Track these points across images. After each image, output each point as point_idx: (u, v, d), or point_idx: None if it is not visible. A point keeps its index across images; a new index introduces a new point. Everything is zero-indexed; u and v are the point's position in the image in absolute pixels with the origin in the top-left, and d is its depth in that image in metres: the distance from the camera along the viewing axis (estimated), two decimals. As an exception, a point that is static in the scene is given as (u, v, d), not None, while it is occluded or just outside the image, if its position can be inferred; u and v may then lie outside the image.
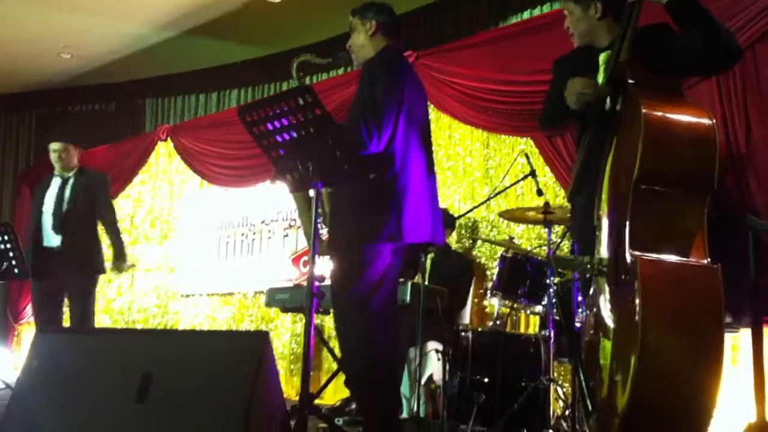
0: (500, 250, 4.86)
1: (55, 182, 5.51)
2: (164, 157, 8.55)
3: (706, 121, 2.55)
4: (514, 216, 5.00)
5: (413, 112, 3.30)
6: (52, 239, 5.38)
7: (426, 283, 4.51)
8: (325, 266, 3.43)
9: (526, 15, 6.24)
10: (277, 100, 2.94)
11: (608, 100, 2.84)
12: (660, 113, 2.53)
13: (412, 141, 3.28)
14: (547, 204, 4.40)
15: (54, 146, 5.52)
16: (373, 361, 3.19)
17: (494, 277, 4.49)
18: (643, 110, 2.50)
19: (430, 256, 5.04)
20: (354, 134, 3.15)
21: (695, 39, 2.69)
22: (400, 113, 3.22)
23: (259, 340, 2.65)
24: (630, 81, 2.68)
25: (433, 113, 5.84)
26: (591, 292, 2.82)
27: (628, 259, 2.46)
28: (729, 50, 2.73)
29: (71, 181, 5.49)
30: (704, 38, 2.68)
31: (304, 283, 4.77)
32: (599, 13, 2.97)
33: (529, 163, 4.88)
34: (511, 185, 5.24)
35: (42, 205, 5.48)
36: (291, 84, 8.11)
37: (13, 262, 5.26)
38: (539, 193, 4.75)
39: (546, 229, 4.46)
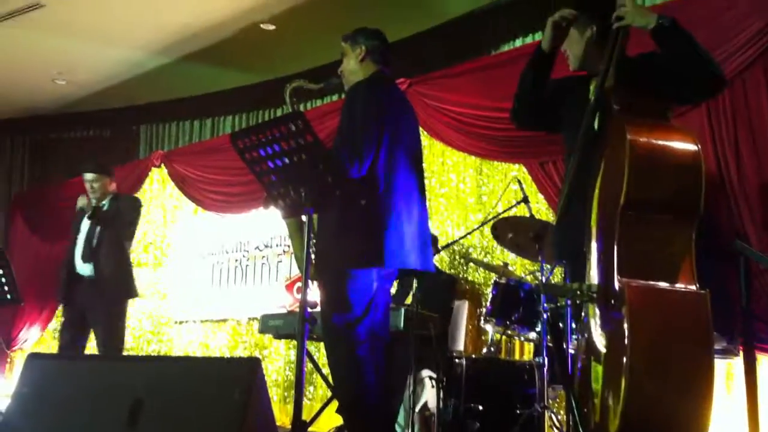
0: (494, 276, 4.85)
1: (92, 209, 5.56)
2: (158, 183, 8.56)
3: (691, 146, 2.56)
4: (507, 231, 4.94)
5: (399, 136, 3.30)
6: (82, 267, 5.52)
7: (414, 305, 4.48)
8: (317, 292, 3.43)
9: (518, 43, 6.28)
10: (268, 127, 2.95)
11: (595, 123, 2.85)
12: (645, 139, 2.54)
13: (399, 165, 3.28)
14: (538, 234, 4.40)
15: (87, 176, 5.65)
16: (361, 389, 3.17)
17: (488, 303, 4.49)
18: (628, 136, 2.51)
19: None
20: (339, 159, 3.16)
21: (679, 65, 2.71)
22: (383, 137, 3.22)
23: (251, 366, 2.64)
24: (615, 106, 2.70)
25: (426, 140, 5.86)
26: (582, 317, 2.82)
27: (616, 285, 2.46)
28: (714, 77, 2.75)
29: (107, 208, 5.60)
30: (688, 64, 2.70)
31: (297, 310, 4.79)
32: (594, 36, 2.98)
33: (522, 189, 4.90)
34: (504, 211, 5.25)
35: (77, 233, 5.64)
36: (285, 110, 8.16)
37: (6, 288, 5.29)
38: (532, 219, 4.76)
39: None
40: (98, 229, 5.53)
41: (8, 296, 5.33)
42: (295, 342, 5.54)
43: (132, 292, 5.66)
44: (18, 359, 9.13)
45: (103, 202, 5.65)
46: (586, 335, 2.73)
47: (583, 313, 2.80)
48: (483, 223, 5.42)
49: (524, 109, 3.16)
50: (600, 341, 2.59)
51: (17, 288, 5.35)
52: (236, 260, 7.80)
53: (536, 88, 3.07)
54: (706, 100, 4.20)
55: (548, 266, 4.30)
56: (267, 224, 7.39)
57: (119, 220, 5.58)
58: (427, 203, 3.53)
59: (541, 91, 3.06)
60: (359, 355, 3.18)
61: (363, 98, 3.27)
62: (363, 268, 3.18)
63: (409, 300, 4.89)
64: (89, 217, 5.53)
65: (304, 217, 3.10)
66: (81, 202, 5.68)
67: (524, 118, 3.22)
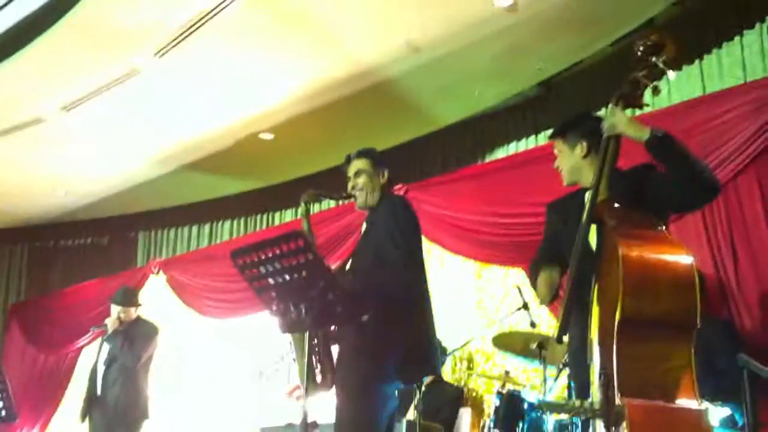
0: (497, 384, 4.80)
1: (112, 334, 6.02)
2: (155, 290, 8.51)
3: (685, 259, 2.55)
4: (507, 343, 4.93)
5: (417, 246, 3.46)
6: (101, 389, 5.95)
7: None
8: (318, 405, 3.38)
9: (512, 147, 6.38)
10: (268, 245, 2.96)
11: (589, 237, 2.87)
12: (637, 253, 2.53)
13: (419, 275, 3.40)
14: (541, 341, 4.39)
15: (115, 308, 6.12)
16: None
17: (491, 414, 4.42)
18: (621, 252, 2.51)
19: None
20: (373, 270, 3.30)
21: (673, 175, 2.75)
22: (417, 251, 3.40)
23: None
24: (608, 220, 2.72)
25: (425, 244, 5.88)
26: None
27: (617, 402, 2.44)
28: (706, 187, 2.78)
29: (123, 335, 5.99)
30: (681, 175, 2.74)
31: (295, 422, 4.72)
32: (584, 152, 3.03)
33: (522, 295, 4.89)
34: (505, 317, 5.23)
35: (99, 354, 6.11)
36: (283, 215, 8.24)
37: (0, 404, 5.22)
38: (532, 325, 4.74)
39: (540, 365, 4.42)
40: (113, 352, 5.98)
41: (2, 413, 5.27)
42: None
43: (139, 418, 5.97)
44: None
45: (121, 329, 6.03)
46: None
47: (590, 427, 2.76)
48: (486, 330, 5.39)
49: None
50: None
51: (13, 404, 5.31)
52: (235, 369, 7.69)
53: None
54: (700, 209, 4.25)
55: (551, 374, 4.25)
56: (264, 332, 7.33)
57: (132, 347, 5.95)
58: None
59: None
60: None
61: (405, 214, 3.43)
62: (390, 383, 3.20)
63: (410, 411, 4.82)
64: (106, 340, 6.02)
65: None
66: (108, 322, 6.05)
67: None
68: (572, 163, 3.07)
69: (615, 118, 2.79)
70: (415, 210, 3.54)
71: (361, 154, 3.64)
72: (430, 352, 3.31)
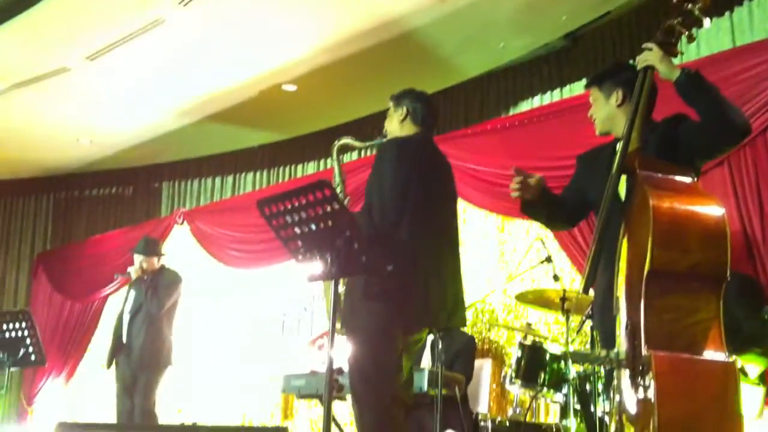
0: (518, 335, 4.84)
1: (134, 284, 6.31)
2: (180, 240, 8.59)
3: (716, 210, 2.54)
4: (531, 299, 4.96)
5: (429, 194, 3.32)
6: (126, 336, 6.13)
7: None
8: (343, 354, 3.42)
9: (536, 101, 6.34)
10: (295, 194, 2.98)
11: (622, 188, 2.86)
12: (668, 204, 2.52)
13: (428, 223, 3.29)
14: (564, 292, 4.40)
15: (137, 257, 6.28)
16: None
17: (513, 365, 4.45)
18: (652, 202, 2.50)
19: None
20: (367, 220, 3.21)
21: (703, 116, 2.73)
22: (410, 196, 3.24)
23: (279, 435, 2.64)
24: (639, 170, 2.70)
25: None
26: (614, 381, 2.80)
27: (643, 353, 2.45)
28: (736, 125, 2.75)
29: (147, 284, 6.17)
30: (711, 115, 2.72)
31: (320, 370, 4.79)
32: (619, 100, 3.02)
33: (546, 248, 4.90)
34: (527, 270, 5.24)
35: (125, 302, 6.31)
36: (306, 167, 8.26)
37: (30, 349, 5.35)
38: (555, 278, 4.75)
39: (563, 316, 4.44)
40: (138, 301, 6.15)
41: (32, 357, 5.40)
42: (316, 401, 5.51)
43: (162, 365, 6.12)
44: (37, 414, 9.12)
45: (147, 278, 6.22)
46: (618, 399, 2.71)
47: (614, 377, 2.79)
48: (506, 283, 5.42)
49: (560, 226, 3.22)
50: (631, 404, 2.57)
51: (42, 349, 5.42)
52: (258, 317, 7.79)
53: (554, 218, 3.14)
54: (731, 149, 4.19)
55: (573, 328, 4.27)
56: (289, 283, 7.39)
57: (156, 296, 6.10)
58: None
59: (562, 212, 3.11)
60: (387, 418, 3.18)
61: (391, 159, 3.31)
62: (395, 329, 3.19)
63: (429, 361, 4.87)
64: (134, 283, 6.25)
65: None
66: (131, 270, 6.25)
67: (567, 227, 3.27)
68: (607, 112, 3.05)
69: (649, 52, 2.78)
70: (417, 152, 3.37)
71: (391, 96, 3.60)
72: (439, 303, 3.28)
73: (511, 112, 6.47)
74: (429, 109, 3.56)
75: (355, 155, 7.31)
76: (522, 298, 5.00)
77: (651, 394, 2.36)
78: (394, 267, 3.15)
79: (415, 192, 3.26)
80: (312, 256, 3.07)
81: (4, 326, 5.34)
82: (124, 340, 6.12)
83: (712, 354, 2.42)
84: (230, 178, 8.99)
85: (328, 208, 2.92)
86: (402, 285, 3.19)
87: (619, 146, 2.92)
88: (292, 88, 7.10)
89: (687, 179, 2.72)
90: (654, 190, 2.56)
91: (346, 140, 3.73)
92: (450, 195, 3.56)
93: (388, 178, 3.26)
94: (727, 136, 2.80)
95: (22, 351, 5.35)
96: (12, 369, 5.46)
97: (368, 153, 7.06)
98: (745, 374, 3.62)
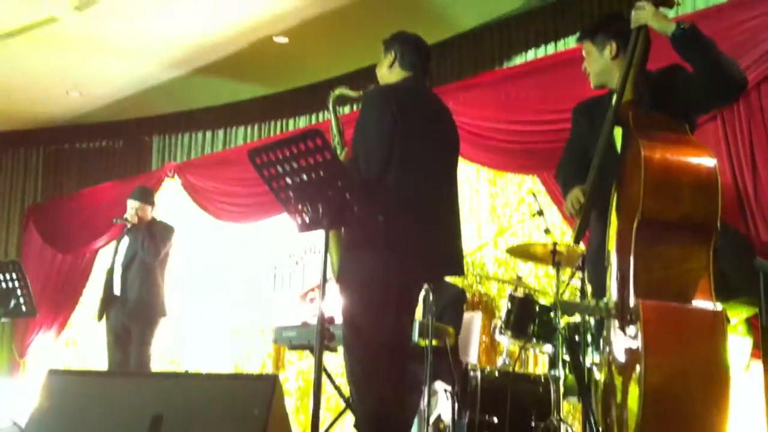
0: (509, 288, 4.86)
1: (128, 234, 6.26)
2: (171, 193, 8.57)
3: (708, 161, 2.55)
4: (522, 252, 4.98)
5: (417, 142, 3.20)
6: (120, 288, 6.10)
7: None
8: (334, 305, 3.43)
9: (530, 55, 6.29)
10: (287, 144, 2.95)
11: (613, 139, 2.86)
12: (660, 155, 2.53)
13: (417, 172, 3.20)
14: (555, 245, 4.41)
15: (133, 204, 6.23)
16: (381, 403, 3.17)
17: (503, 316, 4.48)
18: (643, 153, 2.51)
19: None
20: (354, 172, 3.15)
21: (699, 69, 2.72)
22: (395, 145, 3.14)
23: (270, 383, 2.65)
24: (631, 122, 2.70)
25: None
26: (604, 332, 2.82)
27: (632, 303, 2.47)
28: (733, 79, 2.75)
29: (140, 235, 6.12)
30: (708, 68, 2.71)
31: (311, 322, 4.81)
32: (613, 53, 3.00)
33: (537, 202, 4.90)
34: (519, 224, 5.25)
35: (115, 254, 6.28)
36: (297, 121, 8.22)
37: (21, 300, 5.37)
38: (547, 232, 4.76)
39: (553, 269, 4.46)
40: (131, 251, 6.12)
41: (23, 308, 5.42)
42: (307, 352, 5.54)
43: (157, 315, 6.10)
44: (29, 368, 9.17)
45: (139, 228, 6.15)
46: (608, 349, 2.74)
47: (604, 328, 2.81)
48: (497, 236, 5.43)
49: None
50: (620, 354, 2.60)
51: (33, 300, 5.44)
52: (251, 271, 7.81)
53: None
54: (729, 104, 4.17)
55: (564, 281, 4.29)
56: (281, 236, 7.40)
57: (151, 245, 6.05)
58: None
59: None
60: (378, 368, 3.18)
61: (373, 107, 3.21)
62: (384, 279, 3.18)
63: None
64: (127, 233, 6.20)
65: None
66: (128, 215, 6.19)
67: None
68: (601, 66, 3.03)
69: (642, 11, 2.76)
70: (403, 98, 3.22)
71: (382, 42, 3.49)
72: (433, 253, 3.24)
73: (505, 66, 6.41)
74: (419, 54, 3.41)
75: (355, 107, 7.26)
76: (513, 252, 5.02)
77: (639, 343, 2.39)
78: (384, 217, 3.14)
79: (401, 141, 3.15)
80: (303, 207, 3.07)
81: (-6, 277, 5.34)
82: (117, 291, 6.10)
83: (701, 303, 2.45)
84: (221, 132, 8.92)
85: (320, 158, 2.90)
86: (391, 235, 3.16)
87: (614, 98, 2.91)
88: (283, 40, 7.02)
89: (680, 130, 2.72)
90: (646, 141, 2.57)
91: (342, 90, 3.67)
92: (446, 144, 3.40)
93: (371, 127, 3.18)
94: (723, 91, 2.80)
95: (12, 302, 5.37)
96: (3, 320, 5.49)
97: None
98: (728, 320, 3.65)
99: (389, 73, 3.43)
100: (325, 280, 3.03)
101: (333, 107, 3.63)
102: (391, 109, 3.16)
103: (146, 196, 6.34)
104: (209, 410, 2.63)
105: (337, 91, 3.64)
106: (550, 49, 6.13)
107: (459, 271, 3.39)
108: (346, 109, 7.17)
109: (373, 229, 3.12)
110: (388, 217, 3.13)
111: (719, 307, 2.44)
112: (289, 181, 3.01)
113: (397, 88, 3.35)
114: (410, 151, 3.18)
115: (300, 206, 3.08)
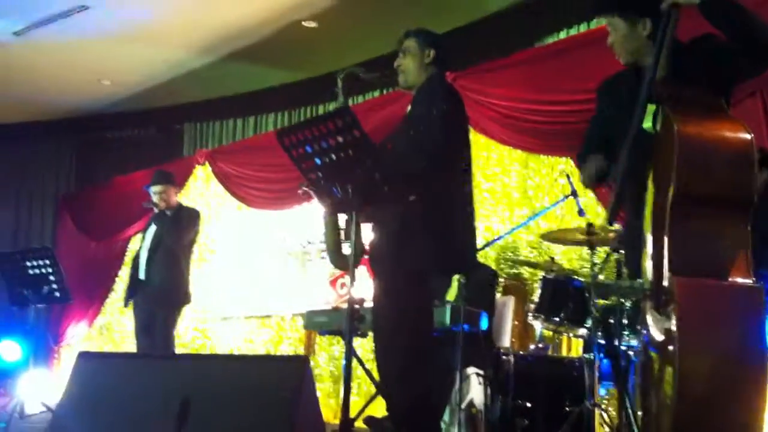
0: (541, 271, 4.78)
1: (155, 221, 6.20)
2: (202, 181, 8.60)
3: (742, 135, 2.46)
4: (556, 237, 4.91)
5: (462, 139, 3.45)
6: (145, 273, 6.04)
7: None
8: (363, 288, 3.40)
9: (562, 35, 6.19)
10: (315, 123, 2.94)
11: (647, 119, 2.78)
12: (694, 130, 2.45)
13: (458, 165, 3.36)
14: (590, 225, 4.32)
15: (155, 189, 6.11)
16: (419, 388, 3.17)
17: (536, 299, 4.41)
18: (676, 128, 2.43)
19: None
20: (405, 155, 3.25)
21: (731, 36, 2.62)
22: (453, 138, 3.33)
23: (299, 365, 2.63)
24: (665, 98, 2.62)
25: (471, 134, 5.79)
26: (641, 314, 2.76)
27: (666, 282, 2.40)
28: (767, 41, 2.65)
29: (167, 220, 6.10)
30: (740, 34, 2.61)
31: (342, 306, 4.80)
32: (647, 31, 2.90)
33: (570, 183, 4.81)
34: (552, 206, 5.17)
35: (143, 240, 6.21)
36: (327, 107, 8.18)
37: (54, 286, 5.41)
38: (581, 213, 4.68)
39: (588, 250, 4.37)
40: (157, 236, 6.05)
41: (57, 294, 5.46)
42: (338, 338, 5.53)
43: (181, 301, 6.08)
44: (65, 355, 9.27)
45: (167, 213, 6.12)
46: (644, 331, 2.67)
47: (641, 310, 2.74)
48: (529, 219, 5.36)
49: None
50: (656, 336, 2.53)
51: (66, 286, 5.47)
52: (281, 256, 7.81)
53: None
54: (765, 70, 4.05)
55: (598, 260, 4.21)
56: (310, 221, 7.39)
57: (176, 231, 6.03)
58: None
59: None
60: (422, 356, 3.20)
61: (445, 99, 3.37)
62: (425, 268, 3.19)
63: (452, 297, 4.84)
64: (154, 220, 6.14)
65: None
66: (155, 199, 6.10)
67: None
68: (634, 43, 2.92)
69: None
70: (458, 95, 3.48)
71: (410, 33, 3.55)
72: (466, 245, 3.30)
73: (536, 46, 6.32)
74: (448, 53, 3.65)
75: (376, 93, 7.23)
76: (546, 236, 4.94)
77: (674, 322, 2.32)
78: (430, 209, 3.15)
79: (454, 135, 3.36)
80: (333, 187, 3.03)
81: (28, 263, 5.38)
82: (143, 277, 6.04)
83: (737, 279, 2.36)
84: (251, 119, 8.95)
85: (349, 137, 2.86)
86: (438, 227, 3.21)
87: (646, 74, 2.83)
88: (312, 24, 6.99)
89: (715, 105, 2.63)
90: (679, 116, 2.49)
91: (353, 70, 3.65)
92: (468, 144, 3.61)
93: (439, 117, 3.29)
94: (758, 54, 2.69)
95: (45, 288, 5.41)
96: (37, 306, 5.53)
97: (386, 91, 6.97)
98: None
99: (424, 68, 3.51)
100: (355, 264, 3.01)
101: (342, 86, 3.61)
102: (456, 103, 3.43)
103: (165, 178, 6.22)
104: (238, 392, 2.62)
105: (348, 70, 3.62)
106: (583, 28, 6.02)
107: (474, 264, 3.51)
108: (373, 94, 7.16)
109: (418, 221, 3.15)
110: (434, 209, 3.17)
111: (758, 283, 2.36)
112: (318, 161, 2.98)
113: (450, 84, 3.65)
114: (458, 146, 3.41)
115: (330, 187, 3.05)
